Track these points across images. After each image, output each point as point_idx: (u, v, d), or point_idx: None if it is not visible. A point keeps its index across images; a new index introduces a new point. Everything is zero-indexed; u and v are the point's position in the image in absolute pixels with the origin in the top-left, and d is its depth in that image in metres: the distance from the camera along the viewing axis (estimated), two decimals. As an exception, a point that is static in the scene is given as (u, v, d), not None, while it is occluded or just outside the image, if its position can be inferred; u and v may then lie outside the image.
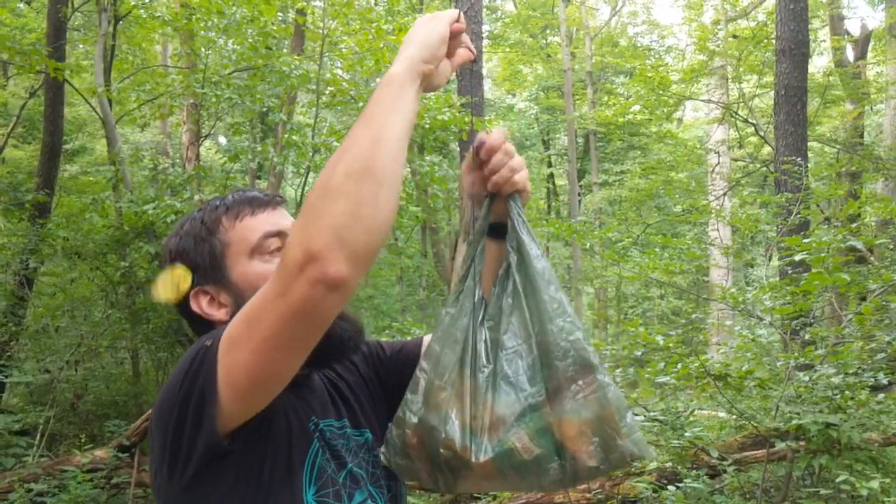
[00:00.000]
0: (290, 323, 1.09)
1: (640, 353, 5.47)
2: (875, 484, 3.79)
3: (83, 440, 7.70)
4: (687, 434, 4.51)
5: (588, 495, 5.83)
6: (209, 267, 1.37)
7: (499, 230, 1.48)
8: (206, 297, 1.37)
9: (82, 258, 9.00)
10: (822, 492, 4.27)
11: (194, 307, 1.37)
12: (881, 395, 5.08)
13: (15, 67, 10.37)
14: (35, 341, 9.14)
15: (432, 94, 13.65)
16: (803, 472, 4.84)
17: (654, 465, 4.77)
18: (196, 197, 7.95)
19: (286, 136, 9.19)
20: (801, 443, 4.63)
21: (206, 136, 13.94)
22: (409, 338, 7.32)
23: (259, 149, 8.98)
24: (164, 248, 1.44)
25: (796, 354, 4.62)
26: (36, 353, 9.14)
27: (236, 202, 1.40)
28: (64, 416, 8.58)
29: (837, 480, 3.87)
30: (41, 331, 8.99)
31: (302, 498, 1.25)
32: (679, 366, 4.59)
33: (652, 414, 4.74)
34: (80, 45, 14.51)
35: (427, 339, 1.47)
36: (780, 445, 4.55)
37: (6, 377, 7.93)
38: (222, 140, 24.20)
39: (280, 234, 1.37)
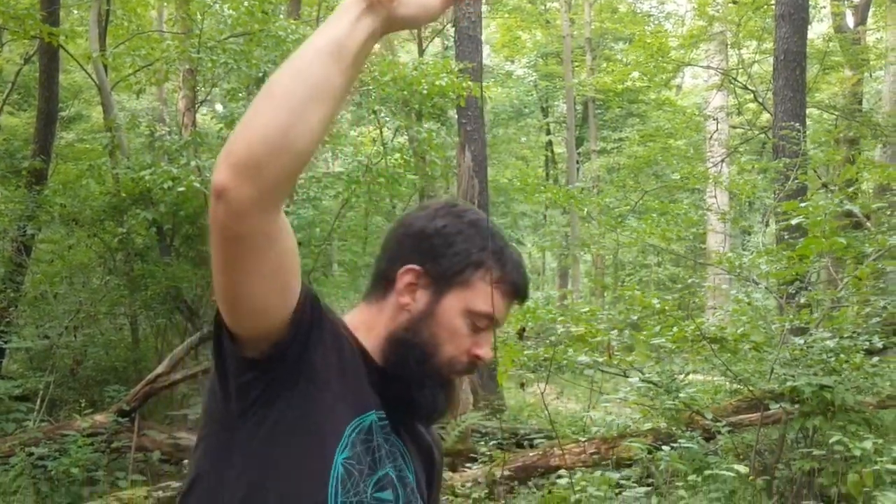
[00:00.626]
0: (216, 244, 1.13)
1: (636, 318, 5.50)
2: (868, 444, 3.83)
3: (83, 405, 7.74)
4: (681, 395, 4.55)
5: (583, 457, 5.90)
6: (442, 273, 1.36)
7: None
8: (415, 284, 1.36)
9: (80, 225, 9.00)
10: (816, 453, 4.31)
11: (399, 279, 1.37)
12: (875, 359, 5.12)
13: (9, 33, 10.26)
14: (34, 308, 9.16)
15: (430, 59, 13.54)
16: (797, 435, 4.89)
17: (648, 425, 4.82)
18: (192, 163, 7.92)
19: (283, 101, 9.11)
20: (796, 406, 4.67)
21: (202, 103, 13.85)
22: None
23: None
24: (443, 210, 1.41)
25: (791, 318, 4.64)
26: (35, 319, 9.17)
27: (511, 273, 1.39)
28: (63, 381, 8.63)
29: (831, 441, 3.91)
30: (40, 297, 9.01)
31: (333, 456, 1.25)
32: (675, 329, 4.62)
33: (647, 377, 4.77)
34: (75, 11, 14.36)
35: None
36: (774, 408, 4.60)
37: (6, 343, 7.96)
38: (219, 107, 24.07)
39: (493, 323, 1.38)
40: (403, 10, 1.14)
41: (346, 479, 1.24)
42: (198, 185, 7.36)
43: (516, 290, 1.40)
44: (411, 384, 1.33)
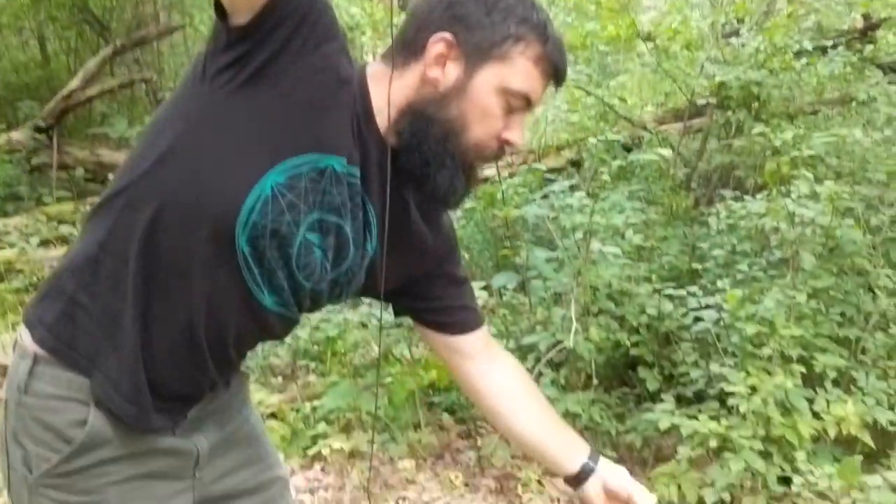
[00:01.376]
0: None
1: (570, 19, 5.32)
2: (789, 135, 3.88)
3: (-4, 123, 7.44)
4: (611, 84, 4.52)
5: (512, 169, 5.95)
6: (478, 44, 1.18)
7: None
8: (446, 52, 1.18)
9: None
10: (736, 143, 4.39)
11: (430, 47, 1.18)
12: (804, 60, 5.10)
13: None
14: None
15: None
16: (719, 138, 4.95)
17: (576, 117, 4.83)
18: None
19: None
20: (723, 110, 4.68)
21: None
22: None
23: None
24: None
25: (726, 13, 4.53)
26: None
27: (551, 52, 1.21)
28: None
29: (753, 132, 3.95)
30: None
31: (264, 172, 1.11)
32: (610, 26, 4.48)
33: (579, 70, 4.69)
34: None
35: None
36: (701, 102, 4.60)
37: None
38: None
39: (529, 104, 1.22)
40: None
41: (268, 203, 1.11)
42: None
43: (556, 71, 1.23)
44: (430, 162, 1.19)
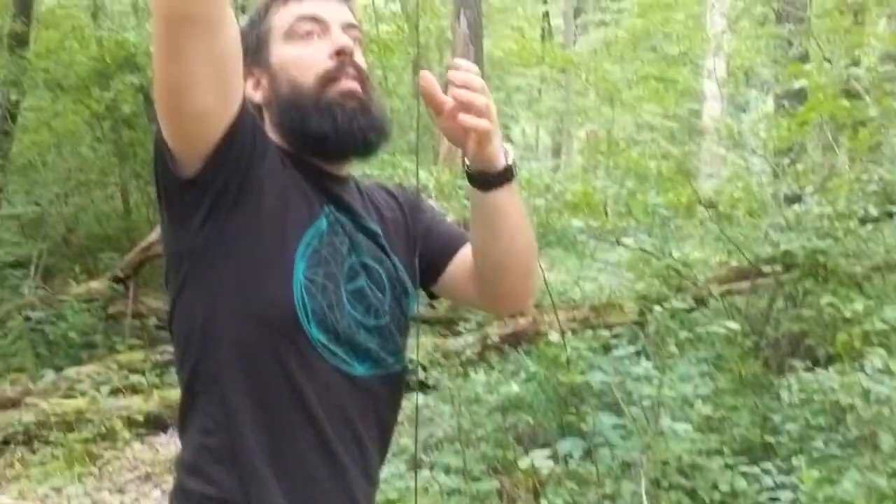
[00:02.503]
0: (158, 29, 1.11)
1: (631, 185, 5.45)
2: (859, 306, 3.86)
3: (78, 272, 7.77)
4: (675, 254, 4.56)
5: (574, 324, 5.97)
6: (255, 49, 1.35)
7: (482, 183, 1.30)
8: (252, 79, 1.35)
9: (65, 91, 8.78)
10: (806, 313, 4.36)
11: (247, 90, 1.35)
12: (870, 227, 5.11)
13: None
14: (23, 177, 9.07)
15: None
16: (787, 302, 4.92)
17: (641, 285, 4.86)
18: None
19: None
20: (790, 274, 4.67)
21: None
22: (399, 171, 7.20)
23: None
24: None
25: (788, 182, 4.61)
26: (24, 187, 9.09)
27: None
28: (57, 250, 8.64)
29: (822, 302, 3.94)
30: (28, 165, 8.90)
31: (292, 268, 1.23)
32: (670, 193, 4.59)
33: (640, 237, 4.77)
34: None
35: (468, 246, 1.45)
36: (766, 271, 4.61)
37: (-4, 210, 7.92)
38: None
39: (315, 19, 1.32)
40: None
41: (310, 287, 1.23)
42: None
43: None
44: (303, 122, 1.30)
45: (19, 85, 8.27)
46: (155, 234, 8.03)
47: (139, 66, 8.15)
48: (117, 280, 7.63)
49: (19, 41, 8.73)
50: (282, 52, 1.33)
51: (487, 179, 1.28)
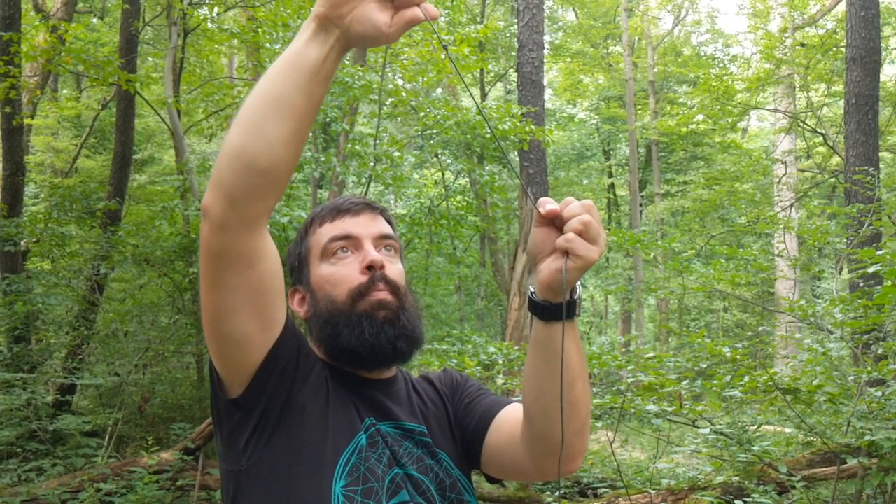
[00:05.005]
0: (202, 261, 1.21)
1: (704, 366, 5.37)
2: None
3: (150, 442, 7.87)
4: (754, 448, 4.41)
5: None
6: (298, 268, 1.49)
7: (545, 310, 1.25)
8: (298, 295, 1.49)
9: (151, 265, 9.23)
10: (897, 511, 4.12)
11: (290, 304, 1.48)
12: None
13: (88, 80, 10.69)
14: (105, 345, 9.39)
15: (494, 103, 13.64)
16: (875, 491, 4.68)
17: (720, 479, 4.68)
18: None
19: (348, 145, 9.29)
20: (874, 460, 4.48)
21: (270, 147, 14.10)
22: (469, 346, 7.24)
23: (322, 159, 9.09)
24: None
25: (869, 369, 4.48)
26: (105, 356, 9.39)
27: (324, 209, 1.50)
28: (131, 418, 8.79)
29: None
30: (111, 335, 9.23)
31: (330, 488, 1.27)
32: (746, 379, 4.49)
33: (718, 428, 4.64)
34: (150, 59, 14.91)
35: (509, 409, 1.48)
36: (851, 462, 4.41)
37: (77, 380, 8.16)
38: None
39: (347, 238, 1.43)
40: (357, 28, 1.15)
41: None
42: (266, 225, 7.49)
43: (338, 208, 1.47)
44: (339, 335, 1.38)
45: (109, 260, 8.72)
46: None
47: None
48: (187, 451, 7.69)
49: (112, 218, 9.29)
50: (319, 272, 1.44)
51: (551, 308, 1.23)
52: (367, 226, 1.45)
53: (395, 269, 1.44)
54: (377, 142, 9.49)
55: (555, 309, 1.23)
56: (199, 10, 11.23)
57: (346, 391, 1.38)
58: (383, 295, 1.39)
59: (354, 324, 1.36)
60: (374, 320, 1.37)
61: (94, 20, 15.66)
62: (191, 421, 8.53)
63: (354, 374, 1.42)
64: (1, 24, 8.24)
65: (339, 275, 1.41)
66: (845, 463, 4.88)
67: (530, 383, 1.31)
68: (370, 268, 1.40)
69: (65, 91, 17.76)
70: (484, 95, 19.59)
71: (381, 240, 1.45)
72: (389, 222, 1.51)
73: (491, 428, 1.46)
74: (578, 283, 1.23)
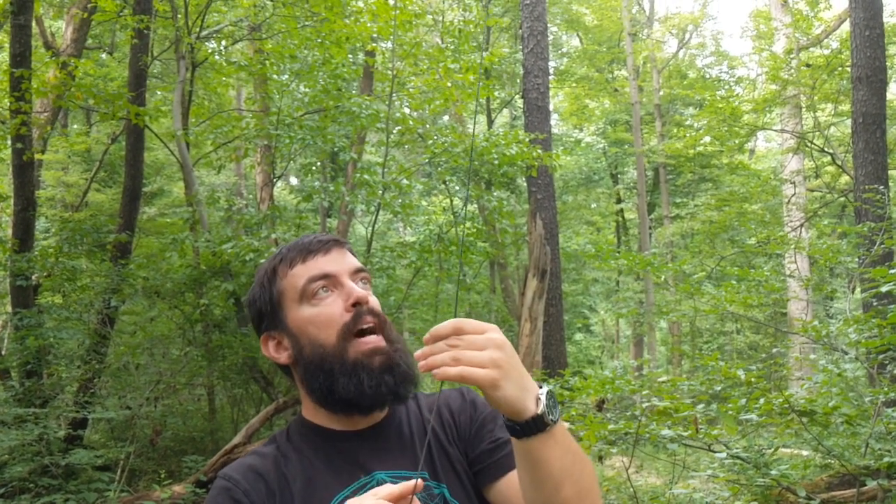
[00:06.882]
0: None
1: (718, 389, 5.32)
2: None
3: (162, 476, 7.84)
4: (772, 472, 4.35)
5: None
6: (271, 313, 1.46)
7: (513, 431, 1.22)
8: (273, 341, 1.46)
9: (161, 297, 9.24)
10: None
11: (264, 351, 1.47)
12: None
13: (98, 115, 10.79)
14: (116, 378, 9.38)
15: (500, 129, 13.70)
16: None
17: (738, 504, 4.61)
18: (273, 235, 8.10)
19: (357, 175, 9.33)
20: (893, 482, 4.43)
21: (278, 177, 14.24)
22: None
23: (331, 188, 9.13)
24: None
25: (885, 390, 4.43)
26: (117, 390, 9.38)
27: (291, 250, 1.47)
28: (143, 451, 8.76)
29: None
30: (122, 368, 9.23)
31: None
32: (762, 401, 4.45)
33: (734, 451, 4.59)
34: (159, 92, 15.06)
35: None
36: (870, 484, 4.36)
37: (89, 413, 8.15)
38: (294, 180, 24.72)
39: (325, 277, 1.42)
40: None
41: None
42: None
43: (307, 248, 1.45)
44: (337, 385, 1.36)
45: (120, 293, 8.74)
46: (238, 437, 8.12)
47: (232, 273, 8.57)
48: (200, 484, 7.66)
49: (122, 251, 9.32)
50: (299, 314, 1.41)
51: (514, 428, 1.20)
52: (339, 262, 1.45)
53: (374, 301, 1.44)
54: (385, 170, 9.52)
55: (519, 428, 1.19)
56: (207, 44, 11.35)
57: (335, 452, 1.41)
58: (375, 340, 1.38)
59: (350, 373, 1.35)
60: (371, 370, 1.35)
61: (104, 55, 15.84)
62: (203, 453, 8.50)
63: (341, 432, 1.43)
64: (12, 61, 8.33)
65: (324, 315, 1.39)
66: (864, 485, 4.82)
67: (521, 486, 1.29)
68: (356, 304, 1.39)
69: (75, 126, 17.95)
70: (491, 122, 19.68)
71: (356, 274, 1.45)
72: (352, 253, 1.52)
73: (507, 478, 1.43)
74: (543, 392, 1.19)
